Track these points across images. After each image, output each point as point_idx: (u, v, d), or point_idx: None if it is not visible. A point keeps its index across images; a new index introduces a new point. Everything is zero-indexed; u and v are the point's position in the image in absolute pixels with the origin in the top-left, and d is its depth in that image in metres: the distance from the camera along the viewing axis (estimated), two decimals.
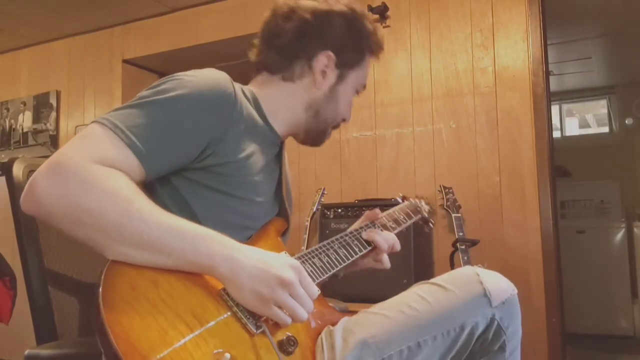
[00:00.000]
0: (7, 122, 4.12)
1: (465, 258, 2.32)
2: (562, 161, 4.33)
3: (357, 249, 1.15)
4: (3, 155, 4.05)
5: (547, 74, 2.67)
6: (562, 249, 2.85)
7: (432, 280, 1.04)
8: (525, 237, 2.50)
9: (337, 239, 1.14)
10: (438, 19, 2.79)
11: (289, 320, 0.83)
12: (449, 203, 2.47)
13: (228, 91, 0.97)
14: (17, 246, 1.08)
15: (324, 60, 1.11)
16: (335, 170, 2.95)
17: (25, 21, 3.67)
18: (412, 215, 1.38)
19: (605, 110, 5.25)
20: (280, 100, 1.11)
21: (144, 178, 0.89)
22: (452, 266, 2.47)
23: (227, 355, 0.76)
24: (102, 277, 0.76)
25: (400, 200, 1.38)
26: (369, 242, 1.18)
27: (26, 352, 0.97)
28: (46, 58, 4.02)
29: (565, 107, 5.38)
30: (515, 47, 2.61)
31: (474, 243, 2.39)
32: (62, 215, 0.78)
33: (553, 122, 3.44)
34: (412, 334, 0.96)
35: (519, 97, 2.58)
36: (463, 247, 2.35)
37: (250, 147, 1.02)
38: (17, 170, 1.10)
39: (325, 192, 2.81)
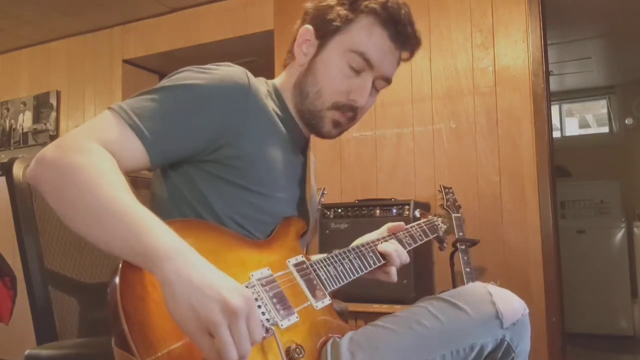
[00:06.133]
0: (7, 122, 4.12)
1: (465, 258, 2.32)
2: (562, 161, 4.33)
3: (371, 261, 1.14)
4: (3, 156, 4.05)
5: (547, 74, 2.67)
6: (562, 249, 2.85)
7: (443, 295, 1.01)
8: (525, 237, 2.51)
9: (353, 249, 1.13)
10: (438, 19, 2.79)
11: (213, 357, 0.66)
12: (449, 203, 2.47)
13: (241, 82, 0.95)
14: (17, 246, 1.07)
15: (303, 33, 1.07)
16: (335, 170, 2.95)
17: (25, 21, 3.67)
18: (429, 234, 1.36)
19: (605, 110, 5.25)
20: (286, 88, 1.10)
21: (148, 163, 0.87)
22: (452, 266, 2.47)
23: None
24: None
25: (417, 216, 1.36)
26: (383, 256, 1.18)
27: (26, 352, 0.97)
28: (46, 58, 4.02)
29: (565, 107, 5.39)
30: (515, 47, 2.61)
31: (474, 243, 2.39)
32: (45, 181, 0.78)
33: (553, 122, 3.44)
34: (420, 351, 0.94)
35: (519, 97, 2.58)
36: (463, 247, 2.35)
37: (269, 141, 1.00)
38: (17, 170, 1.10)
39: (325, 192, 2.81)
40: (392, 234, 1.25)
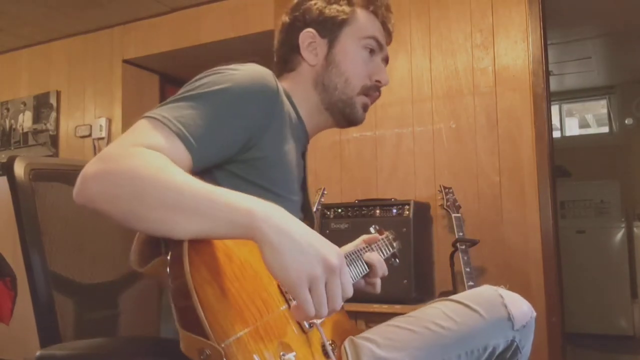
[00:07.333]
0: (7, 122, 4.12)
1: (465, 258, 2.32)
2: (562, 161, 4.33)
3: (360, 270, 1.20)
4: (3, 156, 4.05)
5: (547, 74, 2.68)
6: (562, 249, 2.85)
7: (455, 297, 1.05)
8: (525, 237, 2.51)
9: (346, 256, 1.16)
10: (438, 19, 2.79)
11: (312, 312, 0.71)
12: (448, 203, 2.48)
13: (270, 84, 0.97)
14: (18, 246, 1.07)
15: (305, 37, 1.14)
16: (335, 170, 2.96)
17: (25, 21, 3.66)
18: (390, 249, 1.43)
19: (605, 110, 5.26)
20: (297, 92, 1.13)
21: (190, 168, 0.86)
22: (452, 266, 2.47)
23: (292, 348, 0.77)
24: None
25: (372, 231, 1.41)
26: (369, 265, 1.24)
27: (38, 353, 0.96)
28: (46, 58, 4.02)
29: (565, 107, 5.39)
30: (515, 47, 2.61)
31: (474, 243, 2.39)
32: (100, 194, 0.74)
33: (553, 122, 3.44)
34: (438, 351, 0.97)
35: (519, 97, 2.58)
36: (463, 247, 2.35)
37: (289, 143, 1.03)
38: (19, 169, 1.10)
39: (325, 192, 2.81)
40: (368, 245, 1.31)
